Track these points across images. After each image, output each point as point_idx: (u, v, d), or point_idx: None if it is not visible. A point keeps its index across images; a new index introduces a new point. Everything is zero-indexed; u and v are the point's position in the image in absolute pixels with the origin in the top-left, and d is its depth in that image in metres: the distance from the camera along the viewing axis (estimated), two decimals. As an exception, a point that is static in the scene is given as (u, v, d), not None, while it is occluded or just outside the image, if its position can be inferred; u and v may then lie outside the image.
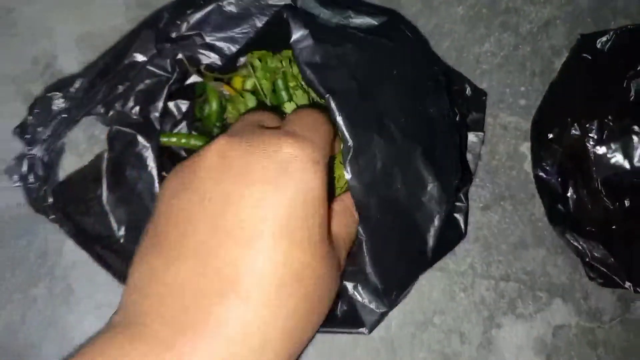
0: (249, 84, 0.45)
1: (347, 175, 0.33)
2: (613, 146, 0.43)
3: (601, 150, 0.43)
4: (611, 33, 0.51)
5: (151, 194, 0.38)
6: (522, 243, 0.53)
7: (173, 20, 0.40)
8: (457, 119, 0.48)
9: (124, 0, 0.54)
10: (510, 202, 0.53)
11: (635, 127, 0.42)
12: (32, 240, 0.53)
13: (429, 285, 0.53)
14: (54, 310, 0.54)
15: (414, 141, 0.37)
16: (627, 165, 0.42)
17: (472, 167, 0.51)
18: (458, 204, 0.49)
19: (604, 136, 0.43)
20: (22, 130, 0.42)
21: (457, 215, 0.50)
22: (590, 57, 0.51)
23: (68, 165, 0.50)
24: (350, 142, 0.33)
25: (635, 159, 0.42)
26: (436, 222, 0.38)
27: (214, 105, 0.46)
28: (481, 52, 0.55)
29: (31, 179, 0.42)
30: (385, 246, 0.37)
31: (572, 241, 0.48)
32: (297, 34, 0.35)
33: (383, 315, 0.40)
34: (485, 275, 0.53)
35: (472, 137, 0.50)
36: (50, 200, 0.43)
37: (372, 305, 0.39)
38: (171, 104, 0.48)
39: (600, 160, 0.43)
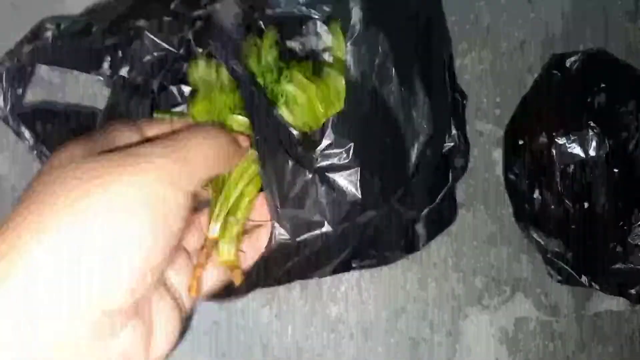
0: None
1: (346, 55, 0.35)
2: (572, 137, 0.48)
3: (562, 146, 0.48)
4: (580, 54, 0.56)
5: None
6: (491, 240, 0.57)
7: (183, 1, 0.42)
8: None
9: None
10: (482, 202, 0.57)
11: (591, 123, 0.47)
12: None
13: (403, 275, 0.57)
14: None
15: (414, 58, 0.38)
16: (582, 154, 0.47)
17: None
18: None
19: (566, 138, 0.48)
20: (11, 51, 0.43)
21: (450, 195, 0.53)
22: (560, 75, 0.56)
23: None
24: (359, 17, 0.35)
25: (590, 150, 0.47)
26: (421, 138, 0.38)
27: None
28: (462, 64, 0.60)
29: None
30: (372, 145, 0.36)
31: (535, 237, 0.53)
32: None
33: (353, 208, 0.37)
34: (456, 268, 0.57)
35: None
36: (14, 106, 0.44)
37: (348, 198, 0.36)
38: (174, 88, 0.51)
39: (560, 155, 0.48)
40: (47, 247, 0.25)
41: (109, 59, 0.45)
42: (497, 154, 0.58)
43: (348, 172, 0.35)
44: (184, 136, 0.31)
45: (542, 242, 0.52)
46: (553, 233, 0.51)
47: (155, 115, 0.47)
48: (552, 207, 0.51)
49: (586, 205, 0.50)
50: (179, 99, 0.52)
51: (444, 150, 0.51)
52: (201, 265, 0.34)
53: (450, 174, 0.52)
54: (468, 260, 0.57)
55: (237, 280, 0.36)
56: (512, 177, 0.55)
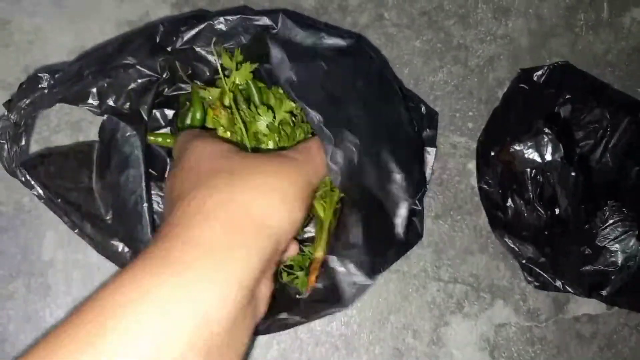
0: (226, 100, 0.50)
1: (332, 167, 0.39)
2: (528, 143, 0.50)
3: (519, 152, 0.51)
4: (545, 68, 0.59)
5: (139, 177, 0.42)
6: (468, 249, 0.59)
7: (168, 34, 0.45)
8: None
9: (116, 19, 0.59)
10: (458, 213, 0.59)
11: (546, 129, 0.49)
12: (13, 236, 0.56)
13: (385, 287, 0.58)
14: (31, 305, 0.57)
15: (379, 138, 0.42)
16: (529, 158, 0.50)
17: (427, 179, 0.57)
18: (415, 207, 0.55)
19: (524, 145, 0.51)
20: (8, 103, 0.45)
21: (414, 219, 0.55)
22: (527, 88, 0.58)
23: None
24: (330, 137, 0.39)
25: (537, 154, 0.50)
26: (403, 208, 0.44)
27: (198, 113, 0.51)
28: (435, 80, 0.62)
29: (2, 139, 0.44)
30: (363, 225, 0.42)
31: (510, 244, 0.54)
32: (275, 56, 0.42)
33: (363, 288, 0.44)
34: (435, 277, 0.58)
35: (426, 151, 0.57)
36: (19, 159, 0.46)
37: (356, 278, 0.43)
38: (157, 112, 0.53)
39: (520, 161, 0.50)
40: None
41: (95, 90, 0.47)
42: (472, 166, 0.60)
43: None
44: (306, 145, 0.40)
45: (517, 249, 0.54)
46: (527, 239, 0.53)
47: (149, 138, 0.49)
48: (525, 214, 0.53)
49: (557, 211, 0.52)
50: (162, 122, 0.54)
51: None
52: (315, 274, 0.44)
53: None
54: (447, 270, 0.59)
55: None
56: (485, 186, 0.57)
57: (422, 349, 0.58)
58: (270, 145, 0.45)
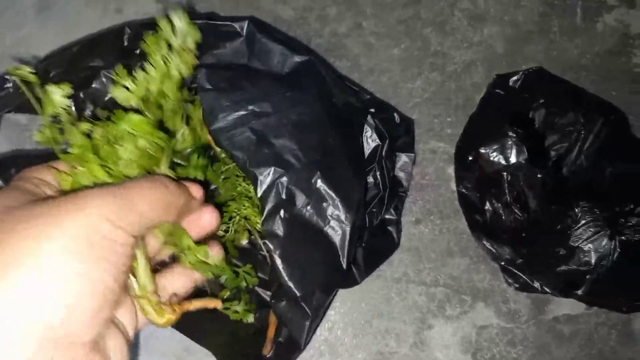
0: None
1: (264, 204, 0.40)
2: (493, 146, 0.51)
3: (485, 154, 0.52)
4: (521, 73, 0.60)
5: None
6: (449, 252, 0.59)
7: (135, 38, 0.45)
8: (386, 143, 0.54)
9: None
10: (438, 217, 0.60)
11: (510, 133, 0.51)
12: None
13: (368, 291, 0.59)
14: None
15: (312, 166, 0.43)
16: (503, 162, 0.51)
17: (405, 185, 0.58)
18: (389, 217, 0.55)
19: (489, 148, 0.52)
20: None
21: (389, 228, 0.56)
22: (503, 93, 0.60)
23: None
24: (254, 176, 0.40)
25: (511, 157, 0.51)
26: (347, 234, 0.44)
27: None
28: (413, 87, 0.63)
29: None
30: (298, 259, 0.42)
31: (488, 247, 0.55)
32: (203, 87, 0.42)
33: (312, 326, 0.44)
34: (417, 281, 0.59)
35: (404, 158, 0.58)
36: None
37: (297, 317, 0.43)
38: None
39: (486, 164, 0.51)
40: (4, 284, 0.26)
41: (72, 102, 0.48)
42: (451, 170, 0.61)
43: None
44: (128, 181, 0.33)
45: (496, 251, 0.55)
46: (505, 241, 0.54)
47: None
48: (503, 216, 0.54)
49: (533, 213, 0.53)
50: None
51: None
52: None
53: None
54: (429, 273, 0.59)
55: None
56: (464, 190, 0.58)
57: (406, 352, 0.58)
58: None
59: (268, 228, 0.41)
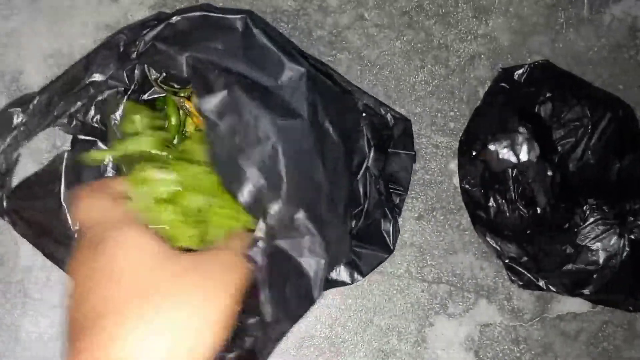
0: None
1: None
2: (503, 142, 0.50)
3: (495, 152, 0.50)
4: (526, 67, 0.59)
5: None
6: (452, 249, 0.58)
7: (131, 42, 0.44)
8: (372, 151, 0.53)
9: (94, 22, 0.59)
10: (441, 212, 0.59)
11: (520, 129, 0.49)
12: (-8, 244, 0.56)
13: (369, 287, 0.58)
14: (8, 313, 0.56)
15: (296, 203, 0.41)
16: (509, 157, 0.50)
17: (405, 184, 0.57)
18: (385, 221, 0.54)
19: (499, 144, 0.51)
20: None
21: (384, 233, 0.55)
22: (508, 87, 0.58)
23: (27, 173, 0.53)
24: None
25: (518, 153, 0.49)
26: (321, 267, 0.42)
27: (173, 119, 0.50)
28: (416, 81, 0.62)
29: None
30: (278, 287, 0.41)
31: (492, 243, 0.54)
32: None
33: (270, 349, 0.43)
34: (419, 278, 0.58)
35: (403, 156, 0.56)
36: (5, 203, 0.46)
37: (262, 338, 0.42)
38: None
39: (497, 161, 0.50)
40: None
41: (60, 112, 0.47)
42: (454, 165, 0.60)
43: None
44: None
45: (500, 248, 0.54)
46: (509, 238, 0.53)
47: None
48: (507, 213, 0.53)
49: (538, 210, 0.51)
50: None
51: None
52: None
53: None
54: (431, 270, 0.58)
55: None
56: (467, 186, 0.56)
57: (407, 350, 0.57)
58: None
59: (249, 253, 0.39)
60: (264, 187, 0.39)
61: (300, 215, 0.41)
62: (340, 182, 0.47)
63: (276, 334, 0.42)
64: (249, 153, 0.39)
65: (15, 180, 0.51)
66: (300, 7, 0.62)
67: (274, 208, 0.39)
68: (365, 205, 0.53)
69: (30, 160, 0.57)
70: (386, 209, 0.54)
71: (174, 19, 0.44)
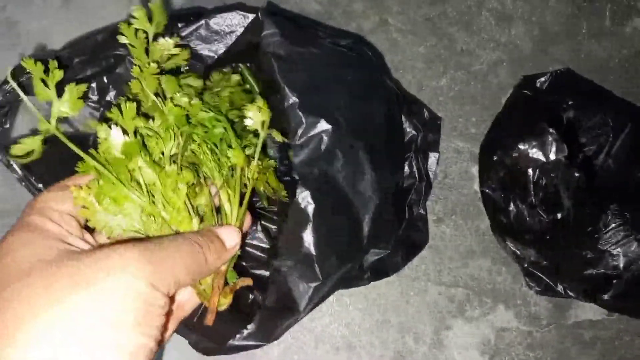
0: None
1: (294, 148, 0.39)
2: (533, 142, 0.50)
3: (524, 151, 0.51)
4: (548, 75, 0.59)
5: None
6: (470, 253, 0.59)
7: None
8: (421, 135, 0.54)
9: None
10: (460, 217, 0.59)
11: (551, 129, 0.50)
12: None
13: (387, 289, 0.58)
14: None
15: (357, 135, 0.42)
16: (531, 162, 0.50)
17: (431, 182, 0.57)
18: (422, 212, 0.55)
19: (528, 144, 0.51)
20: None
21: (419, 223, 0.56)
22: (530, 94, 0.59)
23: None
24: (299, 120, 0.39)
25: (550, 154, 0.50)
26: (371, 209, 0.42)
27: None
28: (438, 86, 0.63)
29: None
30: (323, 217, 0.40)
31: (512, 248, 0.55)
32: (267, 30, 0.41)
33: (316, 291, 0.41)
34: (437, 281, 0.58)
35: (430, 156, 0.57)
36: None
37: (304, 278, 0.41)
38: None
39: (524, 160, 0.51)
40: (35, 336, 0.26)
41: (94, 85, 0.47)
42: (474, 170, 0.60)
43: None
44: (164, 242, 0.32)
45: (519, 253, 0.54)
46: (528, 243, 0.53)
47: None
48: (527, 218, 0.54)
49: (559, 215, 0.52)
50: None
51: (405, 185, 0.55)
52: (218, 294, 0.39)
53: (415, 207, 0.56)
54: (449, 273, 0.59)
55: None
56: (487, 191, 0.57)
57: (424, 352, 0.58)
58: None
59: (304, 172, 0.39)
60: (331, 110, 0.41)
61: (360, 149, 0.43)
62: (397, 135, 0.50)
63: (323, 275, 0.41)
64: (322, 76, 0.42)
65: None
66: (325, 10, 0.63)
67: (335, 133, 0.41)
68: (422, 185, 0.55)
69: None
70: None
71: (212, 19, 0.45)
